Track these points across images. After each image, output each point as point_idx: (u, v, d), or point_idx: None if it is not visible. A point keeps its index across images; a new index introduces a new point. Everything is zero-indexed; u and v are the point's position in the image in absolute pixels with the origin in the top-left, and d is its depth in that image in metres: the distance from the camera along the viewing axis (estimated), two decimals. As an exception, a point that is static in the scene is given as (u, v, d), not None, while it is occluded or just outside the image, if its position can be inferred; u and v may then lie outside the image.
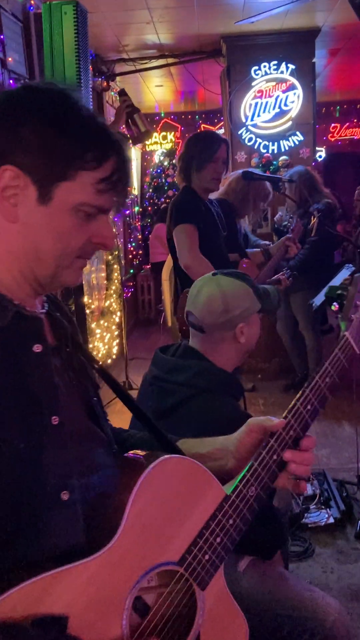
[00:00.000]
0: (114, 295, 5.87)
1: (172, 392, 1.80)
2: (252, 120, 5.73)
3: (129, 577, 0.89)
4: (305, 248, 4.57)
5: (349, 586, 2.70)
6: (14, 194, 0.92)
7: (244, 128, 5.74)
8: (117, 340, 5.93)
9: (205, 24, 5.27)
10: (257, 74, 5.67)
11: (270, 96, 5.69)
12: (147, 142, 8.69)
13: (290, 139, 5.75)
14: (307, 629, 1.58)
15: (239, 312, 1.81)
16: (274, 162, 5.74)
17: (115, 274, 5.83)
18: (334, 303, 1.05)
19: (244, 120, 5.72)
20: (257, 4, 4.77)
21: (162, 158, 9.08)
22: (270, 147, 5.75)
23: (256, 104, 5.72)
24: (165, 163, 9.04)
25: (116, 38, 5.53)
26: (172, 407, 1.77)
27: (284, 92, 5.68)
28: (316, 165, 6.25)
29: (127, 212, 7.83)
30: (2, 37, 3.27)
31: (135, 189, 8.47)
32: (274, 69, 5.66)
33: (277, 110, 5.71)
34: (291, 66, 5.64)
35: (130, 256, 8.11)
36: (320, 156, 9.00)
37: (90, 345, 4.87)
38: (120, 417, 1.53)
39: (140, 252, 8.66)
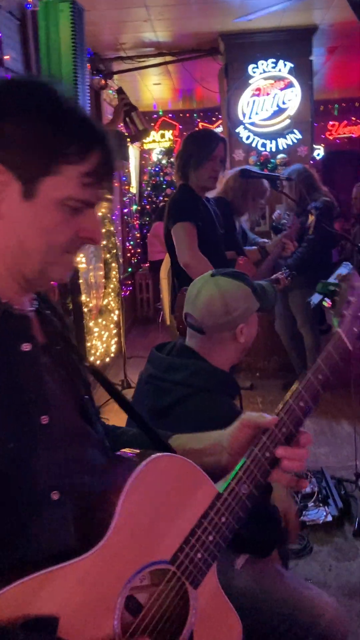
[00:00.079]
0: (112, 294, 5.87)
1: (169, 391, 1.79)
2: (250, 118, 5.72)
3: (120, 576, 0.88)
4: (303, 247, 4.57)
5: (347, 584, 2.70)
6: None
7: (242, 126, 5.73)
8: (116, 339, 5.92)
9: (203, 22, 5.26)
10: (254, 72, 5.67)
11: (268, 94, 5.69)
12: (145, 141, 8.69)
13: (288, 137, 5.74)
14: (304, 626, 1.58)
15: (239, 313, 1.81)
16: (272, 160, 5.73)
17: (114, 273, 5.83)
18: (327, 299, 1.05)
19: (241, 118, 5.71)
20: (254, 2, 4.77)
21: (160, 156, 9.08)
22: (268, 145, 5.74)
23: (254, 102, 5.71)
24: (164, 161, 9.04)
25: (114, 36, 5.52)
26: (169, 406, 1.77)
27: (281, 90, 5.67)
28: (315, 164, 6.25)
29: (126, 210, 7.83)
30: (-1, 34, 3.26)
31: (133, 187, 8.46)
32: (272, 67, 5.65)
33: (275, 108, 5.70)
34: (289, 64, 5.63)
35: (129, 255, 8.11)
36: (318, 154, 8.99)
37: (89, 344, 4.87)
38: (118, 416, 1.52)
39: (139, 250, 8.65)
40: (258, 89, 5.70)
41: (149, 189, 9.11)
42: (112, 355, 5.86)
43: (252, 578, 1.71)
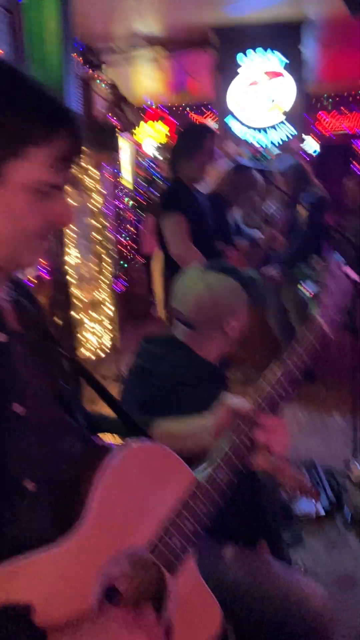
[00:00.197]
0: (106, 288, 5.86)
1: (156, 382, 1.79)
2: (241, 110, 5.71)
3: (95, 563, 0.87)
4: (296, 240, 4.57)
5: (338, 575, 2.71)
6: None
7: (233, 118, 5.72)
8: (110, 333, 5.92)
9: (194, 14, 5.25)
10: (246, 65, 5.65)
11: (259, 86, 5.67)
12: (138, 135, 8.66)
13: (279, 129, 5.73)
14: (293, 615, 1.58)
15: (228, 308, 1.82)
16: (264, 153, 5.72)
17: (107, 267, 5.81)
18: (304, 285, 1.04)
19: (232, 110, 5.70)
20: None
21: (153, 151, 9.05)
22: (260, 138, 5.74)
23: (245, 93, 5.70)
24: (157, 155, 9.00)
25: (105, 28, 5.50)
26: (156, 396, 1.77)
27: (273, 82, 5.66)
28: (307, 157, 6.23)
29: (120, 204, 7.81)
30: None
31: (128, 181, 8.44)
32: (263, 60, 5.64)
33: (266, 100, 5.69)
34: (280, 57, 5.63)
35: (122, 248, 8.09)
36: (315, 151, 8.98)
37: (82, 338, 4.86)
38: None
39: (133, 244, 8.63)
40: (249, 81, 5.68)
41: (143, 183, 9.08)
42: (106, 349, 5.85)
43: (241, 568, 1.71)
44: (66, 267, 3.87)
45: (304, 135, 5.95)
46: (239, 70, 5.64)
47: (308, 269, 1.04)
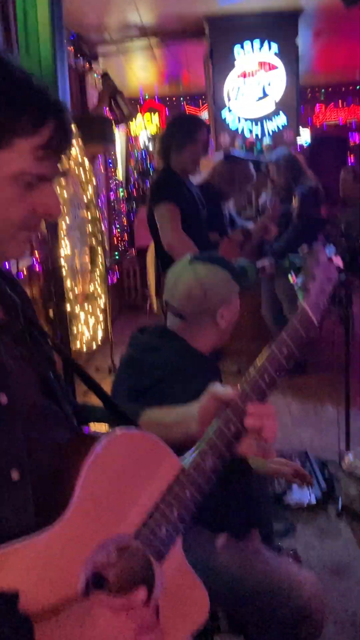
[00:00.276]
0: (99, 280, 5.84)
1: (147, 372, 1.80)
2: (235, 101, 5.68)
3: (81, 551, 0.88)
4: (288, 232, 4.57)
5: (330, 563, 2.74)
6: None
7: (227, 110, 5.70)
8: (103, 325, 5.91)
9: (187, 4, 5.20)
10: (240, 55, 5.62)
11: (253, 77, 5.65)
12: (132, 127, 8.62)
13: (273, 120, 5.72)
14: (284, 602, 1.60)
15: (218, 298, 1.83)
16: (258, 144, 5.71)
17: (100, 259, 5.80)
18: (292, 273, 1.05)
19: (227, 102, 5.68)
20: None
21: (147, 142, 9.01)
22: (254, 129, 5.72)
23: (239, 85, 5.67)
24: (150, 147, 8.97)
25: (98, 19, 5.46)
26: (147, 387, 1.77)
27: (267, 73, 5.64)
28: (301, 148, 6.22)
29: (112, 195, 7.78)
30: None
31: (120, 173, 8.41)
32: (257, 50, 5.61)
33: (260, 92, 5.67)
34: (274, 47, 5.59)
35: (115, 240, 8.07)
36: (307, 142, 8.96)
37: (75, 330, 4.85)
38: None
39: (126, 236, 8.61)
40: (243, 73, 5.66)
41: (135, 174, 9.05)
42: (99, 342, 5.84)
43: (232, 556, 1.72)
44: (59, 259, 3.85)
45: (298, 127, 5.91)
46: (232, 60, 5.61)
47: (297, 259, 1.04)
